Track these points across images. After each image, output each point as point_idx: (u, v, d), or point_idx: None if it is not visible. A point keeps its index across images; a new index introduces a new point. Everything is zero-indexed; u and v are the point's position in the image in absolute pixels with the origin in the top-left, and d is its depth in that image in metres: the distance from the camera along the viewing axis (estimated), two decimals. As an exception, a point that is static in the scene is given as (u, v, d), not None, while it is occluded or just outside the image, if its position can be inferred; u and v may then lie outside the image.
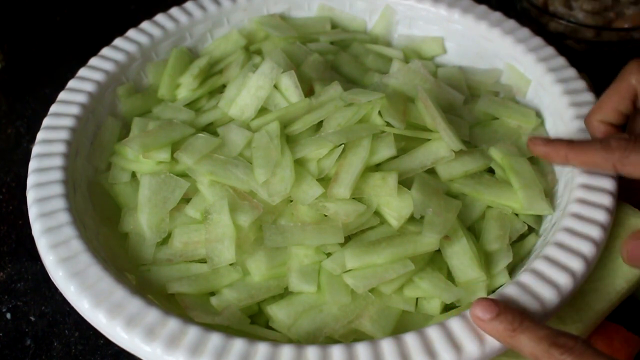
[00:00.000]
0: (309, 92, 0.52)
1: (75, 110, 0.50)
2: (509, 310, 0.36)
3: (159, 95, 0.55)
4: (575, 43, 0.68)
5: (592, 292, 0.43)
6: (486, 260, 0.44)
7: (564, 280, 0.40)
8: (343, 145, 0.46)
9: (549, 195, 0.48)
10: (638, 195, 0.48)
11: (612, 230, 0.44)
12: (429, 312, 0.43)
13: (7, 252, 0.53)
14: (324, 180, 0.46)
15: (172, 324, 0.38)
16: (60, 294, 0.42)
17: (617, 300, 0.44)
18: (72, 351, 0.47)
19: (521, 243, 0.46)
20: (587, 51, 0.68)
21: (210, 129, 0.51)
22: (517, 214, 0.47)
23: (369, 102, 0.47)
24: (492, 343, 0.37)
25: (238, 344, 0.37)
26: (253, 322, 0.43)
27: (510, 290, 0.40)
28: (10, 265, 0.52)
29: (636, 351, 0.45)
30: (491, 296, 0.39)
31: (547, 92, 0.52)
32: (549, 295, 0.39)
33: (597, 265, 0.43)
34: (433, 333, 0.38)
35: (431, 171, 0.48)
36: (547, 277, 0.40)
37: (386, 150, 0.46)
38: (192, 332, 0.38)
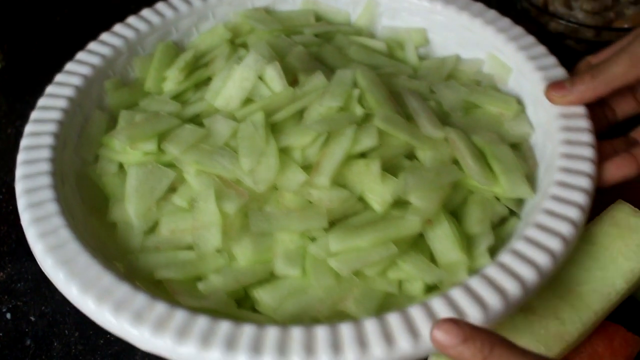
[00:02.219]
0: (293, 82, 0.52)
1: (62, 103, 0.51)
2: (477, 335, 0.31)
3: (145, 89, 0.56)
4: (575, 43, 0.68)
5: (592, 293, 0.44)
6: (468, 242, 0.45)
7: (544, 260, 0.41)
8: (327, 134, 0.47)
9: (530, 179, 0.49)
10: (632, 191, 0.49)
11: (611, 230, 0.45)
12: (412, 294, 0.43)
13: (7, 252, 0.53)
14: (309, 168, 0.47)
15: (160, 308, 0.39)
16: (60, 294, 0.42)
17: (617, 301, 0.44)
18: (72, 351, 0.47)
19: (503, 226, 0.47)
20: (587, 51, 0.68)
21: (196, 120, 0.52)
22: (499, 198, 0.48)
23: (347, 91, 0.48)
24: (474, 320, 0.38)
25: (224, 326, 0.38)
26: (239, 306, 0.44)
27: (490, 270, 0.40)
28: (10, 265, 0.52)
29: (636, 351, 0.45)
30: (473, 277, 0.40)
31: (528, 79, 0.53)
32: (529, 274, 0.40)
33: (597, 266, 0.44)
34: (415, 312, 0.38)
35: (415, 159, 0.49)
36: (527, 257, 0.41)
37: (368, 140, 0.47)
38: (179, 316, 0.38)
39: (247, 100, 0.52)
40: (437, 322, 0.32)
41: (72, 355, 0.47)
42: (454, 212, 0.47)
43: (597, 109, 0.50)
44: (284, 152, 0.47)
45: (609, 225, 0.46)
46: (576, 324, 0.43)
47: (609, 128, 0.52)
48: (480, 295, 0.39)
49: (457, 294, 0.39)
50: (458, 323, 0.32)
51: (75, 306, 0.41)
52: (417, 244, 0.45)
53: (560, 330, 0.42)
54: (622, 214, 0.47)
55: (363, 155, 0.48)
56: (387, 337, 0.37)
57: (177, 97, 0.55)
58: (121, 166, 0.50)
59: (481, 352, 0.31)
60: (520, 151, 0.51)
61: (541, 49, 0.54)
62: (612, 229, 0.46)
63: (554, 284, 0.43)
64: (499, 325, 0.41)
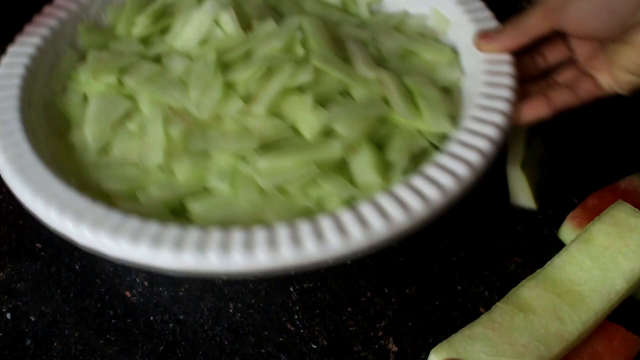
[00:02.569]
0: (247, 28, 0.57)
1: (37, 40, 0.56)
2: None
3: (116, 33, 0.61)
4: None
5: (592, 293, 0.45)
6: (385, 168, 0.49)
7: (449, 182, 0.45)
8: (267, 70, 0.52)
9: (456, 118, 0.52)
10: (632, 196, 0.51)
11: (611, 230, 0.47)
12: (329, 209, 0.48)
13: (7, 252, 0.53)
14: (250, 99, 0.51)
15: (114, 216, 0.43)
16: (60, 294, 0.48)
17: (617, 301, 0.45)
18: (72, 351, 0.47)
19: (423, 157, 0.51)
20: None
21: (158, 60, 0.57)
22: (422, 134, 0.52)
23: (291, 33, 0.53)
24: (377, 230, 0.42)
25: (173, 229, 0.42)
26: (176, 217, 0.48)
27: (398, 189, 0.44)
28: (10, 265, 0.52)
29: (636, 351, 0.45)
30: (381, 194, 0.44)
31: (464, 30, 0.57)
32: (433, 194, 0.44)
33: (597, 266, 0.46)
34: (324, 221, 0.43)
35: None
36: (433, 179, 0.45)
37: (304, 76, 0.51)
38: (133, 221, 0.43)
39: (204, 42, 0.57)
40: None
41: (72, 355, 0.47)
42: (379, 143, 0.51)
43: (526, 56, 0.54)
44: (229, 86, 0.52)
45: (608, 225, 0.47)
46: (576, 324, 0.44)
47: (541, 73, 0.55)
48: (385, 209, 0.43)
49: (365, 207, 0.43)
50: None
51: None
52: (340, 168, 0.49)
53: (560, 330, 0.43)
54: (622, 214, 0.47)
55: (300, 89, 0.52)
56: (295, 240, 0.42)
57: (144, 40, 0.60)
58: (85, 97, 0.56)
59: None
60: (451, 94, 0.54)
61: (478, 4, 0.57)
62: (612, 229, 0.47)
63: (554, 283, 0.45)
64: (497, 325, 0.44)
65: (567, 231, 0.53)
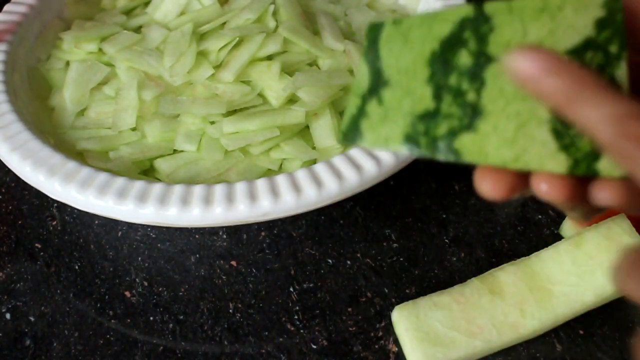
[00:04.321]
0: (224, 2, 0.60)
1: (24, 9, 0.59)
2: (566, 69, 0.25)
3: (102, 6, 0.64)
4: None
5: (562, 296, 0.45)
6: (346, 134, 0.51)
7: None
8: (239, 40, 0.54)
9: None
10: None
11: (602, 242, 0.46)
12: (290, 171, 0.50)
13: (6, 252, 0.53)
14: (220, 67, 0.54)
15: (85, 171, 0.46)
16: (60, 294, 0.49)
17: (582, 311, 0.45)
18: (71, 351, 0.47)
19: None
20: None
21: (139, 31, 0.60)
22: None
23: (264, 6, 0.55)
24: (329, 189, 0.45)
25: (138, 184, 0.45)
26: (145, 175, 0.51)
27: (354, 152, 0.47)
28: (9, 265, 0.52)
29: None
30: (337, 156, 0.46)
31: (432, 8, 0.59)
32: (385, 157, 0.46)
33: (576, 271, 0.46)
34: (280, 179, 0.45)
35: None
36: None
37: (273, 46, 0.54)
38: (101, 176, 0.45)
39: (182, 15, 0.59)
40: (518, 49, 0.26)
41: (71, 356, 0.47)
42: (344, 112, 0.53)
43: None
44: (202, 55, 0.55)
45: (601, 236, 0.47)
46: (534, 320, 0.44)
47: None
48: (339, 170, 0.46)
49: (320, 168, 0.46)
50: (544, 51, 0.26)
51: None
52: (303, 134, 0.52)
53: (517, 321, 0.44)
54: (618, 228, 0.47)
55: (269, 59, 0.54)
56: (252, 196, 0.44)
57: (127, 13, 0.63)
58: (68, 64, 0.58)
59: (568, 90, 0.25)
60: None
61: (448, -18, 0.59)
62: (603, 240, 0.46)
63: (532, 275, 0.46)
64: (465, 299, 0.45)
65: (567, 228, 0.53)
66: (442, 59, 0.28)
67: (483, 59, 0.28)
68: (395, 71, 0.29)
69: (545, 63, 0.25)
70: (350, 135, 0.30)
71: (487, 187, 0.29)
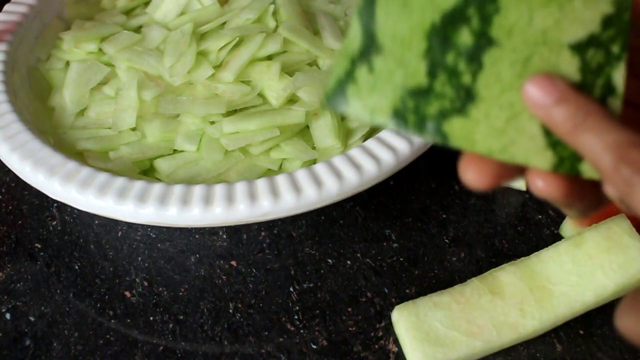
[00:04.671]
0: (224, 2, 0.60)
1: (23, 9, 0.59)
2: (572, 98, 0.27)
3: (101, 6, 0.64)
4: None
5: (561, 296, 0.45)
6: (347, 134, 0.51)
7: (402, 146, 0.47)
8: (239, 40, 0.54)
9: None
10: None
11: (602, 242, 0.46)
12: (290, 171, 0.50)
13: (6, 253, 0.53)
14: (220, 67, 0.54)
15: (85, 171, 0.46)
16: (60, 294, 0.49)
17: (582, 311, 0.45)
18: (71, 351, 0.47)
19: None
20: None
21: (138, 31, 0.60)
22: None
23: (264, 6, 0.56)
24: (329, 189, 0.45)
25: (138, 184, 0.45)
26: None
27: (354, 152, 0.47)
28: (9, 265, 0.52)
29: None
30: (338, 156, 0.46)
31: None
32: (386, 156, 0.46)
33: (576, 271, 0.45)
34: (280, 179, 0.45)
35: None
36: (387, 142, 0.47)
37: (273, 46, 0.54)
38: (101, 176, 0.45)
39: (182, 15, 0.59)
40: (531, 78, 0.27)
41: (71, 356, 0.47)
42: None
43: None
44: (202, 55, 0.55)
45: (602, 236, 0.46)
46: (534, 320, 0.44)
47: None
48: (339, 170, 0.46)
49: (320, 168, 0.46)
50: (553, 80, 0.27)
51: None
52: (303, 134, 0.52)
53: (517, 321, 0.44)
54: (618, 228, 0.46)
55: (270, 59, 0.54)
56: (251, 196, 0.44)
57: (127, 13, 0.63)
58: (68, 64, 0.58)
59: (573, 119, 0.27)
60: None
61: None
62: (603, 240, 0.46)
63: (532, 275, 0.46)
64: (465, 299, 0.45)
65: (567, 228, 0.53)
66: (441, 34, 0.27)
67: (484, 40, 0.27)
68: (390, 38, 0.27)
69: (557, 93, 0.27)
70: (334, 99, 0.27)
71: (472, 175, 0.29)
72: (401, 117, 0.27)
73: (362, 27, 0.27)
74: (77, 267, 0.52)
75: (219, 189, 0.44)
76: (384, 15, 0.27)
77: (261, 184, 0.45)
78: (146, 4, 0.63)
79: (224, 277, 0.51)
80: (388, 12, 0.27)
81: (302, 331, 0.48)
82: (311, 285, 0.51)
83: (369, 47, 0.27)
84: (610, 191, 0.28)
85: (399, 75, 0.27)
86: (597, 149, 0.26)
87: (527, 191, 0.56)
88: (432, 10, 0.27)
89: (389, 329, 0.48)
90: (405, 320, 0.45)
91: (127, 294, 0.50)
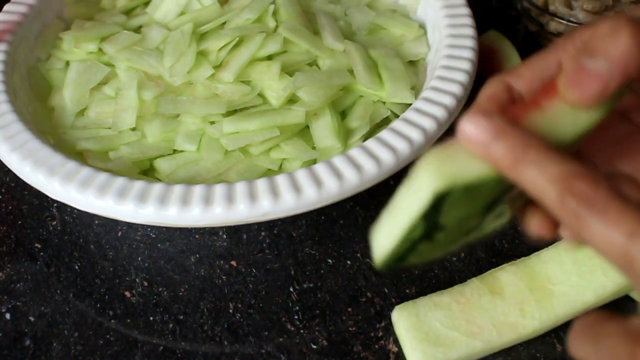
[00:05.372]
0: (224, 2, 0.60)
1: (23, 9, 0.59)
2: (510, 133, 0.26)
3: (101, 6, 0.64)
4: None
5: (562, 296, 0.45)
6: (347, 134, 0.51)
7: (402, 145, 0.47)
8: (239, 40, 0.54)
9: (419, 89, 0.54)
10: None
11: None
12: (290, 171, 0.50)
13: (6, 253, 0.53)
14: (220, 67, 0.54)
15: (85, 171, 0.46)
16: (60, 294, 0.49)
17: (582, 311, 0.45)
18: (71, 351, 0.47)
19: (385, 125, 0.53)
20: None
21: (138, 31, 0.60)
22: (385, 103, 0.54)
23: (264, 6, 0.56)
24: (329, 189, 0.45)
25: (138, 184, 0.45)
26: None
27: (354, 152, 0.47)
28: (9, 265, 0.52)
29: None
30: (337, 156, 0.46)
31: (432, 7, 0.59)
32: (385, 156, 0.46)
33: (576, 272, 0.46)
34: (280, 179, 0.45)
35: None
36: (387, 142, 0.47)
37: (273, 46, 0.54)
38: (101, 176, 0.45)
39: (182, 15, 0.59)
40: (467, 115, 0.27)
41: (71, 356, 0.47)
42: (344, 111, 0.54)
43: None
44: (202, 55, 0.55)
45: None
46: (534, 320, 0.44)
47: None
48: (339, 170, 0.45)
49: (320, 168, 0.46)
50: (490, 117, 0.26)
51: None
52: (303, 134, 0.52)
53: (517, 321, 0.44)
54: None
55: (270, 58, 0.54)
56: (251, 196, 0.44)
57: (127, 13, 0.63)
58: (67, 64, 0.58)
59: (513, 153, 0.26)
60: (416, 67, 0.57)
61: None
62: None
63: (532, 275, 0.46)
64: (465, 299, 0.46)
65: None
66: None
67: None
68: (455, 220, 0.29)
69: (493, 129, 0.26)
70: (394, 265, 0.31)
71: (536, 225, 0.31)
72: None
73: (425, 222, 0.28)
74: (77, 267, 0.52)
75: (219, 189, 0.44)
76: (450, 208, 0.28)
77: (261, 184, 0.45)
78: (146, 4, 0.63)
79: (224, 277, 0.51)
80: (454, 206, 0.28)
81: (302, 331, 0.48)
82: (311, 285, 0.51)
83: (432, 230, 0.29)
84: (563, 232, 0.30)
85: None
86: (541, 182, 0.25)
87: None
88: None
89: (389, 329, 0.48)
90: (405, 320, 0.45)
91: (127, 294, 0.50)
